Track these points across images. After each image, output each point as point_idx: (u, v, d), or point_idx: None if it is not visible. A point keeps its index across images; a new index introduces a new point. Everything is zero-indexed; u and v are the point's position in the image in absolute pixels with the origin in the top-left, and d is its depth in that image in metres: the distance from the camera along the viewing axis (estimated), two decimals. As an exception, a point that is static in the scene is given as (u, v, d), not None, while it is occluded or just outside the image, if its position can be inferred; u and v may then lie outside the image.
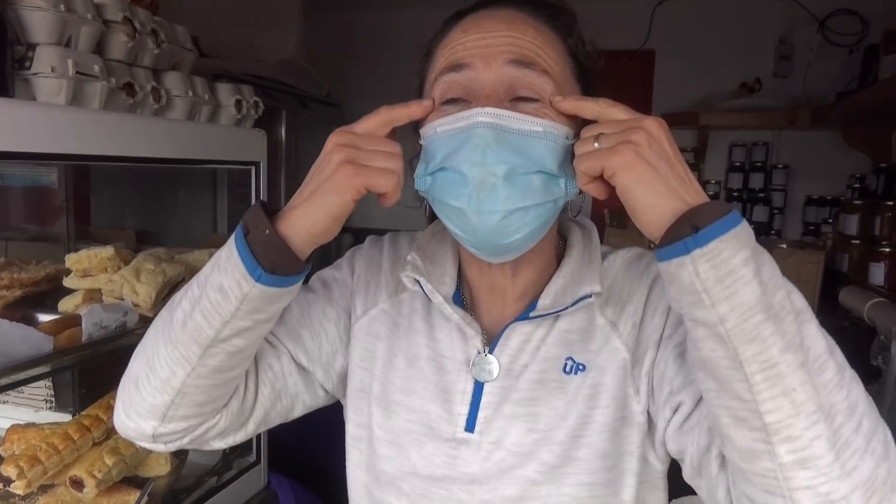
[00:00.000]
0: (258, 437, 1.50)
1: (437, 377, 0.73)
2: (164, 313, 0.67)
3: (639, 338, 0.69)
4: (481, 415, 0.70)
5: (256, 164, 1.43)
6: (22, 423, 1.22)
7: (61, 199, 1.52)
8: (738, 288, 0.48)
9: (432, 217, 0.71)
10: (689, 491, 0.64)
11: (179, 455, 1.32)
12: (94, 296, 1.20)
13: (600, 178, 0.56)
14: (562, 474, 0.67)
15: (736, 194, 2.77)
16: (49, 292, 1.23)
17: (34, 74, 1.00)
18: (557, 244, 0.76)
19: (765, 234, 2.68)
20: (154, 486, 1.23)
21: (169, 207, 1.79)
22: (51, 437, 1.13)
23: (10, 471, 1.05)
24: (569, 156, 0.63)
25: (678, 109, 2.69)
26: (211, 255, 1.41)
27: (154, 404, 0.65)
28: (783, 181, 2.72)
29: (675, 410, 0.63)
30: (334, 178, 0.59)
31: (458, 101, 0.64)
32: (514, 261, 0.69)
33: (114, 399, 1.24)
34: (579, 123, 0.64)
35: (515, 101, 0.63)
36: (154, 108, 1.26)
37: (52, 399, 1.46)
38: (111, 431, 1.20)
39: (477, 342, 0.71)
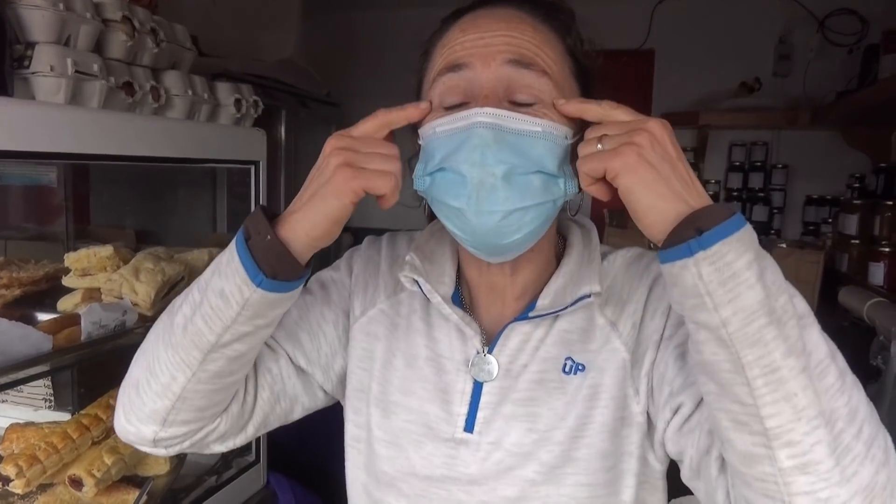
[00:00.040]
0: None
1: (435, 377, 0.73)
2: (164, 317, 0.67)
3: (638, 338, 0.68)
4: (480, 415, 0.70)
5: (256, 163, 1.43)
6: (21, 422, 1.22)
7: (60, 198, 1.52)
8: (741, 291, 0.48)
9: (431, 217, 0.71)
10: (688, 491, 0.64)
11: (178, 454, 1.31)
12: (93, 295, 1.20)
13: (603, 179, 0.56)
14: (561, 475, 0.67)
15: (735, 194, 2.77)
16: (48, 291, 1.23)
17: (33, 73, 1.00)
18: (557, 244, 0.76)
19: (764, 234, 2.68)
20: (153, 486, 1.23)
21: (168, 207, 1.79)
22: (50, 436, 1.13)
23: (9, 470, 1.05)
24: (568, 155, 0.63)
25: (678, 109, 2.69)
26: (210, 255, 1.41)
27: (154, 409, 0.66)
28: (783, 181, 2.72)
29: (676, 412, 0.63)
30: (333, 181, 0.59)
31: (457, 107, 0.64)
32: (514, 260, 0.69)
33: (113, 398, 1.24)
34: (578, 123, 0.64)
35: (514, 103, 0.63)
36: (153, 108, 1.26)
37: (52, 398, 1.46)
38: (110, 430, 1.20)
39: (476, 342, 0.71)
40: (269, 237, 0.59)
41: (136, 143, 1.13)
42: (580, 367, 0.69)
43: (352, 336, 0.78)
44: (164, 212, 1.79)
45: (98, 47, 1.14)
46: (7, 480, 1.06)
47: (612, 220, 2.55)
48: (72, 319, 1.09)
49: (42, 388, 1.45)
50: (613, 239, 2.37)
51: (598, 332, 0.70)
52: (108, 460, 1.14)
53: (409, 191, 0.68)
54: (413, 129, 0.68)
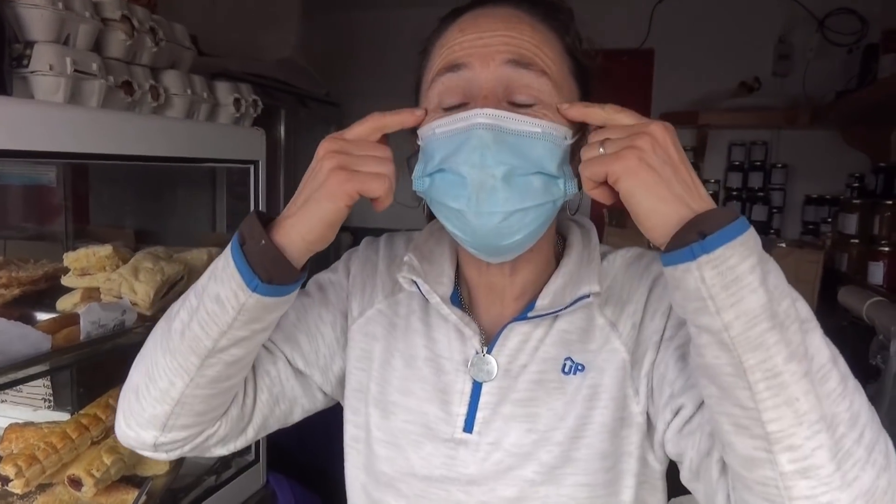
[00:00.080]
0: (257, 436, 1.50)
1: (435, 378, 0.73)
2: (162, 323, 0.67)
3: (638, 338, 0.68)
4: (480, 415, 0.70)
5: (255, 162, 1.43)
6: (20, 421, 1.21)
7: (60, 197, 1.52)
8: (744, 295, 0.48)
9: (431, 216, 0.70)
10: (688, 490, 0.64)
11: (178, 454, 1.31)
12: (92, 294, 1.20)
13: (605, 183, 0.56)
14: (560, 475, 0.67)
15: (735, 193, 2.77)
16: (47, 291, 1.23)
17: (32, 72, 1.00)
18: (556, 243, 0.76)
19: (764, 234, 2.68)
20: (152, 486, 1.23)
21: (167, 206, 1.79)
22: (49, 436, 1.13)
23: (8, 470, 1.05)
24: (567, 156, 0.63)
25: (677, 108, 2.69)
26: (209, 254, 1.41)
27: (154, 414, 0.66)
28: (782, 180, 2.72)
29: (676, 413, 0.63)
30: (326, 184, 0.59)
31: (456, 108, 0.64)
32: (513, 260, 0.69)
33: (112, 398, 1.24)
34: (577, 123, 0.63)
35: (513, 103, 0.62)
36: (152, 107, 1.25)
37: (51, 398, 1.46)
38: (109, 430, 1.20)
39: (475, 342, 0.71)
40: (263, 242, 0.59)
41: (135, 142, 1.12)
42: (580, 368, 0.69)
43: (350, 337, 0.78)
44: (163, 211, 1.79)
45: (97, 46, 1.14)
46: (6, 480, 1.06)
47: (611, 219, 2.55)
48: (71, 319, 1.09)
49: (41, 387, 1.45)
50: (613, 238, 2.37)
51: (598, 332, 0.70)
52: (108, 460, 1.14)
53: (409, 191, 0.67)
54: (412, 129, 0.68)
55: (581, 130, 0.65)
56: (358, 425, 0.77)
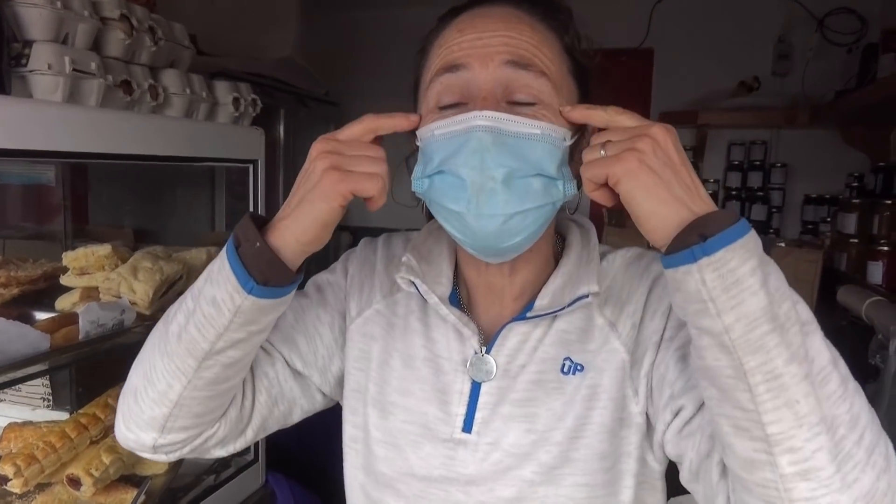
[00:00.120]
0: (256, 435, 1.50)
1: (433, 378, 0.73)
2: (160, 325, 0.67)
3: (638, 339, 0.68)
4: (478, 415, 0.70)
5: (254, 161, 1.43)
6: (19, 421, 1.21)
7: (58, 196, 1.52)
8: (745, 298, 0.48)
9: (430, 216, 0.70)
10: (687, 490, 0.64)
11: (177, 454, 1.31)
12: (91, 294, 1.20)
13: (606, 185, 0.56)
14: (559, 475, 0.67)
15: (734, 193, 2.77)
16: (46, 290, 1.23)
17: (31, 72, 1.00)
18: (555, 243, 0.76)
19: (763, 233, 2.68)
20: (151, 485, 1.22)
21: (167, 205, 1.79)
22: (48, 435, 1.13)
23: (6, 469, 1.05)
24: (566, 157, 0.63)
25: (677, 108, 2.69)
26: (208, 254, 1.41)
27: (153, 416, 0.66)
28: (782, 180, 2.72)
29: (676, 414, 0.63)
30: (320, 185, 0.59)
31: (455, 107, 0.64)
32: (512, 260, 0.69)
33: (111, 397, 1.24)
34: (576, 124, 0.63)
35: (512, 104, 0.62)
36: (151, 106, 1.25)
37: (50, 397, 1.46)
38: (108, 430, 1.20)
39: (474, 342, 0.71)
40: (258, 244, 0.59)
41: (134, 141, 1.12)
42: (579, 368, 0.69)
43: (348, 337, 0.78)
44: (162, 211, 1.78)
45: (96, 45, 1.13)
46: (5, 480, 1.06)
47: (610, 219, 2.54)
48: (70, 318, 1.09)
49: (40, 387, 1.45)
50: (612, 238, 2.37)
51: (597, 332, 0.70)
52: (107, 459, 1.14)
53: (408, 191, 0.67)
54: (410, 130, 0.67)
55: (580, 131, 0.65)
56: (356, 425, 0.77)
